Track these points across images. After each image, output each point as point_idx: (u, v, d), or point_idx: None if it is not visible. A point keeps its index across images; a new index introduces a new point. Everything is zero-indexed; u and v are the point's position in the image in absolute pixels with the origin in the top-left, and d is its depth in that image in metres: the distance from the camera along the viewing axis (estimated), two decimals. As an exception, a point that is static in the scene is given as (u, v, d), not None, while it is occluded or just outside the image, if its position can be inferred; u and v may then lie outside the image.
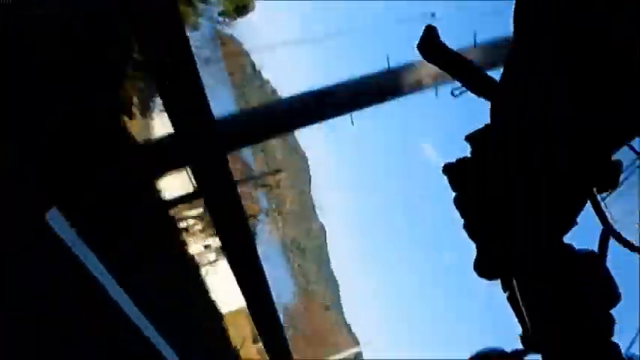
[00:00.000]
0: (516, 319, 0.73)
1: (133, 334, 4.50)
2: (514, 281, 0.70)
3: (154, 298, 5.33)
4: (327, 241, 54.34)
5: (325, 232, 55.03)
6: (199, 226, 9.33)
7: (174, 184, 9.24)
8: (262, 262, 8.29)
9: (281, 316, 20.52)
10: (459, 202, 0.70)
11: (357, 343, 47.11)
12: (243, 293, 7.90)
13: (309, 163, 50.72)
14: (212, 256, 9.93)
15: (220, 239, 7.07)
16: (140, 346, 4.75)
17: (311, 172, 52.39)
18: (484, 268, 0.71)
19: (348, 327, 46.23)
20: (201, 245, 9.68)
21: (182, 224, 9.30)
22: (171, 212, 9.03)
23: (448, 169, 0.71)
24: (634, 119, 0.62)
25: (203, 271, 9.91)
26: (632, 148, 0.82)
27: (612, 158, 0.65)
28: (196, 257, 9.71)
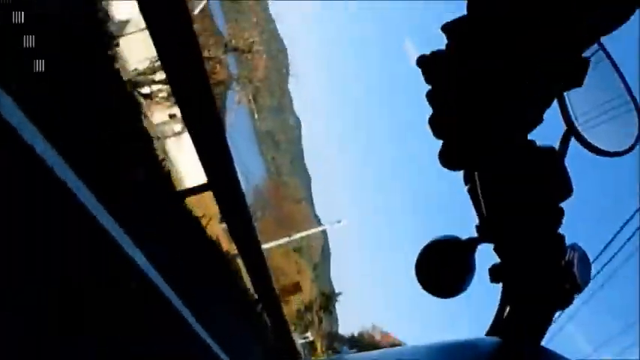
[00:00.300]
0: (474, 211, 0.76)
1: (86, 222, 3.89)
2: (475, 173, 0.74)
3: (102, 170, 4.64)
4: (303, 135, 54.11)
5: (301, 125, 54.61)
6: (164, 93, 8.45)
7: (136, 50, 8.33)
8: (232, 143, 7.63)
9: (251, 197, 20.38)
10: (430, 95, 0.70)
11: (324, 232, 48.56)
12: (205, 170, 7.32)
13: (288, 51, 49.14)
14: (177, 127, 9.12)
15: (180, 108, 6.33)
16: (92, 231, 4.06)
17: (289, 58, 50.92)
18: (449, 158, 0.72)
19: (318, 219, 47.29)
20: (166, 114, 8.86)
21: (144, 90, 8.45)
22: (132, 76, 8.19)
23: (422, 62, 0.69)
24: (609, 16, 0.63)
25: (167, 143, 9.24)
26: (601, 47, 0.79)
27: (582, 55, 0.66)
28: (159, 127, 8.98)
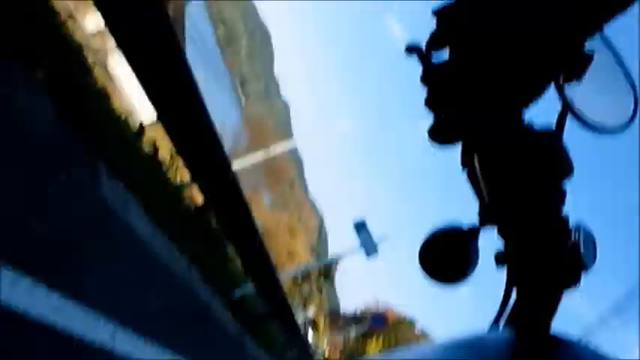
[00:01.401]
0: (475, 195, 0.71)
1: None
2: (474, 157, 0.68)
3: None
4: (292, 118, 52.04)
5: (289, 108, 52.45)
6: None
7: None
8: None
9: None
10: (425, 78, 0.62)
11: (321, 216, 46.73)
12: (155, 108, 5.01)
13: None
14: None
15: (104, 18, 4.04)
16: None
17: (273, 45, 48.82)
18: (440, 133, 0.64)
19: (312, 202, 45.50)
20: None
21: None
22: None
23: (412, 49, 0.62)
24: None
25: (107, 61, 6.93)
26: (605, 41, 0.69)
27: (584, 49, 0.60)
28: (90, 41, 6.67)
